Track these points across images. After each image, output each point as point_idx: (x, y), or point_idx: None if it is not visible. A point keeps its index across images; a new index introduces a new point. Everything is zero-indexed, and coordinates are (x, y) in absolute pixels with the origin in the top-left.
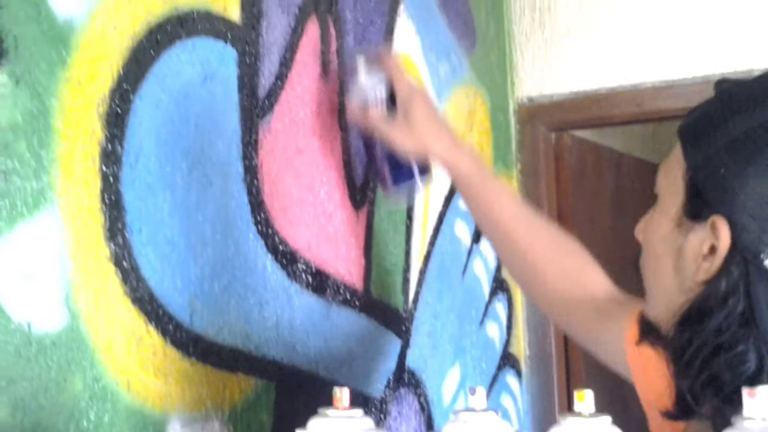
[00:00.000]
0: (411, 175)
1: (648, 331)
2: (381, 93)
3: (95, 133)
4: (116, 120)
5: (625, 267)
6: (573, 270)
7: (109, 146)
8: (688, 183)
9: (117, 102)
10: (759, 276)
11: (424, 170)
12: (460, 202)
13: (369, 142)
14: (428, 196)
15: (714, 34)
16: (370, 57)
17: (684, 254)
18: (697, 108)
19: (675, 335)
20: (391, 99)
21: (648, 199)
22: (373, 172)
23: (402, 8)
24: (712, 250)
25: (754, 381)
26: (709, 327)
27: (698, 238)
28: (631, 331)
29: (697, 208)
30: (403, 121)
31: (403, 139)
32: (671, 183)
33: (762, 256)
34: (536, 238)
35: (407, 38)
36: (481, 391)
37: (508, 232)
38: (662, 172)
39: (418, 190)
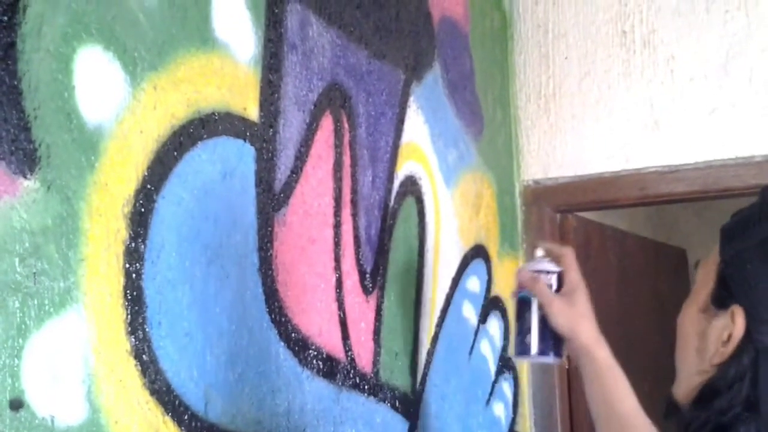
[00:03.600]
0: (547, 350)
1: (672, 409)
2: (553, 273)
3: (120, 232)
4: (140, 219)
5: (629, 343)
6: None
7: (133, 244)
8: (719, 274)
9: (141, 202)
10: (767, 366)
11: (559, 352)
12: (468, 283)
13: (522, 309)
14: (437, 278)
15: (715, 121)
16: (548, 249)
17: (706, 338)
18: (741, 210)
19: (688, 411)
20: (558, 286)
21: (650, 277)
22: (518, 337)
23: (412, 99)
24: (730, 337)
25: None
26: (715, 407)
27: (720, 324)
28: None
29: (722, 298)
30: (566, 299)
31: (561, 311)
32: (706, 273)
33: None
34: None
35: (417, 127)
36: None
37: (625, 422)
38: (702, 264)
39: (548, 363)
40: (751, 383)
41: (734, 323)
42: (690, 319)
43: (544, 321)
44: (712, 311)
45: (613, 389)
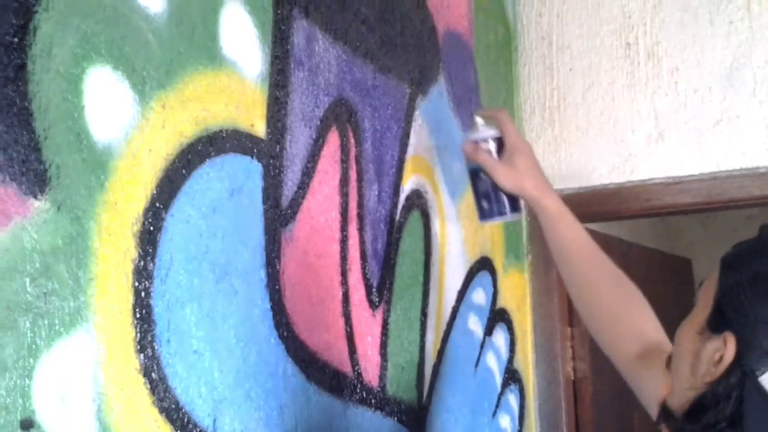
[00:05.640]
0: (504, 209)
1: (666, 416)
2: (492, 139)
3: (129, 251)
4: (149, 238)
5: None
6: (630, 310)
7: (142, 263)
8: (716, 301)
9: (150, 220)
10: (752, 388)
11: (515, 207)
12: (473, 296)
13: (474, 178)
14: (443, 291)
15: (719, 132)
16: (484, 114)
17: (700, 358)
18: (742, 242)
19: (679, 423)
20: (498, 147)
21: (655, 286)
22: (477, 204)
23: (417, 113)
24: (721, 359)
25: None
26: (703, 421)
27: (713, 347)
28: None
29: (717, 323)
30: (507, 161)
31: (504, 173)
32: (705, 297)
33: (758, 373)
34: (603, 274)
35: (422, 141)
36: None
37: (580, 263)
38: (703, 286)
39: (508, 219)
40: (736, 402)
41: (726, 348)
42: (687, 338)
43: (494, 185)
44: (707, 333)
45: (566, 233)
